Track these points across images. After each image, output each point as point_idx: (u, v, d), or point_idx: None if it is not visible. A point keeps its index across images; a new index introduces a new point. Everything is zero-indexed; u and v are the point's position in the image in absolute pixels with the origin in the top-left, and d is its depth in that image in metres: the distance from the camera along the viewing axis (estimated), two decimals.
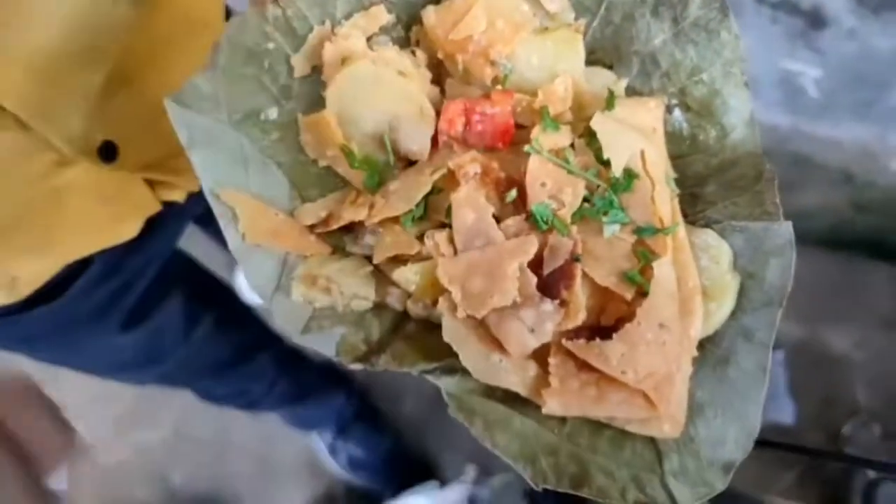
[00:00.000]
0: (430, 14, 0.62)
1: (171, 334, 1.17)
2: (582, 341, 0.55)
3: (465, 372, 0.58)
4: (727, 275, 0.59)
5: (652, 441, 0.58)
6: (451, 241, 0.58)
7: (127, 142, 0.84)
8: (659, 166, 0.60)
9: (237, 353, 1.35)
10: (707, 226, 0.61)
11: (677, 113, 0.66)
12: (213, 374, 1.35)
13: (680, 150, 0.66)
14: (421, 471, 1.83)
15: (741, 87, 0.65)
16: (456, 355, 0.57)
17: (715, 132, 0.66)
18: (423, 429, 1.88)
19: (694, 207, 0.63)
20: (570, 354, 0.55)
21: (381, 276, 0.63)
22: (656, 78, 0.66)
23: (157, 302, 1.11)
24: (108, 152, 0.82)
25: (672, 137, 0.66)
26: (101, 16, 0.76)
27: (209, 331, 1.24)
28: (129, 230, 0.92)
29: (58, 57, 0.73)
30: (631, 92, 0.67)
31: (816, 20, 1.09)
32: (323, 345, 0.60)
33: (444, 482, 1.75)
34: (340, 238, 0.66)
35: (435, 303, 0.61)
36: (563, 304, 0.55)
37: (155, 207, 0.94)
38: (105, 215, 0.88)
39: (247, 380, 1.43)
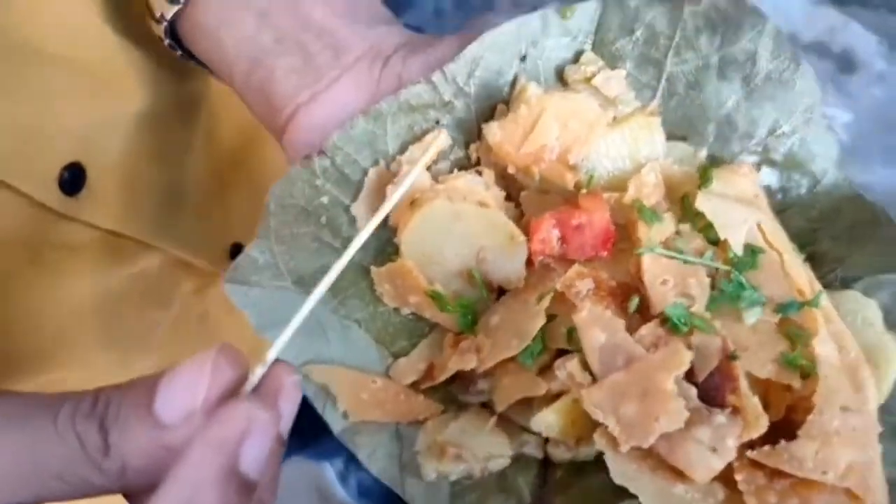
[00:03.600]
0: (494, 130, 0.59)
1: None
2: (767, 448, 0.50)
3: None
4: (885, 335, 0.56)
5: None
6: (586, 366, 0.53)
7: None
8: (779, 234, 0.57)
9: None
10: (843, 287, 0.58)
11: (764, 170, 0.64)
12: None
13: (772, 207, 0.63)
14: None
15: (824, 130, 0.63)
16: (623, 497, 0.52)
17: (806, 181, 0.64)
18: None
19: (819, 269, 0.60)
20: (756, 465, 0.51)
21: (508, 424, 0.58)
22: (735, 141, 0.63)
23: None
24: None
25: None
26: (165, 112, 0.75)
27: None
28: None
29: (140, 159, 0.72)
30: (711, 160, 0.64)
31: (847, 64, 1.10)
32: None
33: None
34: (448, 390, 0.61)
35: (579, 441, 0.57)
36: (735, 411, 0.51)
37: None
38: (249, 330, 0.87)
39: None
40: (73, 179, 0.67)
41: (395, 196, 0.57)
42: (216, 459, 0.38)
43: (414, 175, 0.58)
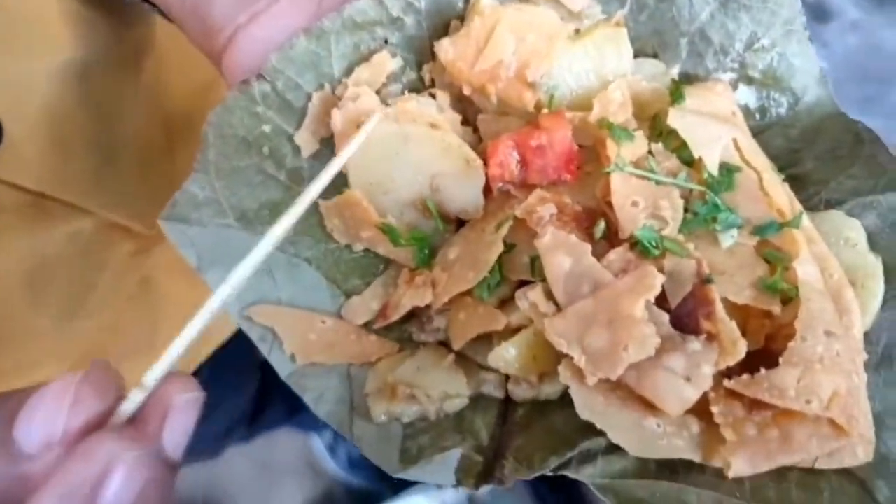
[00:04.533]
0: (446, 47, 0.55)
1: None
2: (746, 377, 0.47)
3: (605, 453, 0.49)
4: (869, 256, 0.53)
5: (847, 473, 0.49)
6: (550, 296, 0.49)
7: None
8: (757, 153, 0.54)
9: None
10: (828, 209, 0.54)
11: (741, 88, 0.60)
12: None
13: (751, 127, 0.59)
14: None
15: (805, 44, 0.59)
16: (588, 436, 0.49)
17: (786, 100, 0.60)
18: None
19: (802, 191, 0.56)
20: (734, 396, 0.47)
21: (467, 362, 0.55)
22: (710, 56, 0.59)
23: None
24: None
25: None
26: (99, 63, 0.70)
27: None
28: None
29: (68, 116, 0.67)
30: (684, 78, 0.60)
31: (820, 12, 1.09)
32: (434, 474, 0.51)
33: None
34: (404, 329, 0.57)
35: (542, 378, 0.53)
36: (710, 337, 0.47)
37: None
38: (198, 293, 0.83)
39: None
40: None
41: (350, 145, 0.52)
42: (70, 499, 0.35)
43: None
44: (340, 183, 0.57)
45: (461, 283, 0.52)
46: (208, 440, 1.15)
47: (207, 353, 0.86)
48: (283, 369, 0.55)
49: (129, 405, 0.39)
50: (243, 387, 1.13)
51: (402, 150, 0.54)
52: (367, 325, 0.57)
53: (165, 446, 0.39)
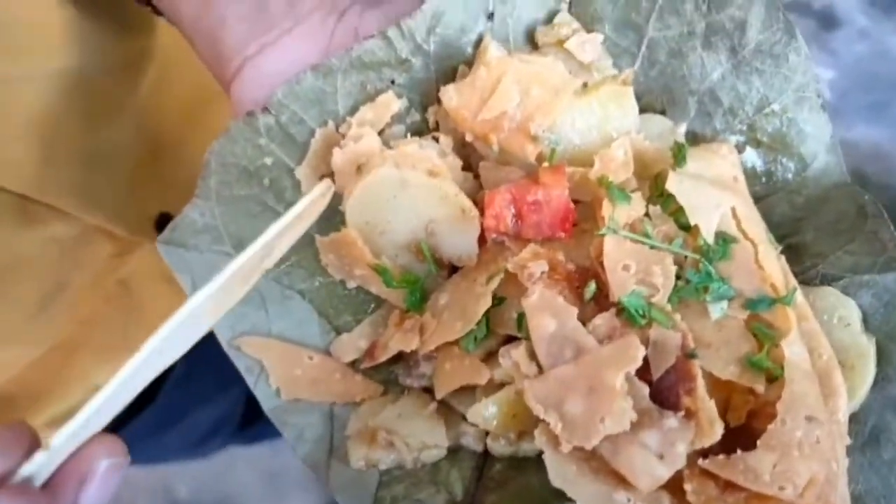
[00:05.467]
0: (450, 94, 0.55)
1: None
2: (721, 457, 0.47)
3: None
4: (862, 337, 0.52)
5: None
6: (533, 356, 0.50)
7: None
8: (755, 222, 0.53)
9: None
10: (823, 284, 0.54)
11: (748, 151, 0.59)
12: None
13: (756, 191, 0.59)
14: None
15: (817, 111, 0.58)
16: (563, 499, 0.49)
17: (793, 165, 0.59)
18: None
19: (799, 263, 0.56)
20: (708, 475, 0.47)
21: (449, 411, 0.55)
22: (718, 117, 0.59)
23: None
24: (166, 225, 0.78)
25: (745, 178, 0.58)
26: (95, 71, 0.70)
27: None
28: None
29: (57, 121, 0.67)
30: (691, 136, 0.60)
31: (829, 21, 1.08)
32: None
33: None
34: (390, 370, 0.58)
35: (521, 436, 0.53)
36: (689, 414, 0.47)
37: None
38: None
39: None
40: None
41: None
42: None
43: None
44: (338, 220, 0.57)
45: (449, 333, 0.53)
46: (190, 437, 1.17)
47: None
48: (267, 403, 0.56)
49: (30, 467, 0.39)
50: (228, 385, 1.13)
51: (400, 194, 0.54)
52: (353, 364, 0.57)
53: None
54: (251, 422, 1.24)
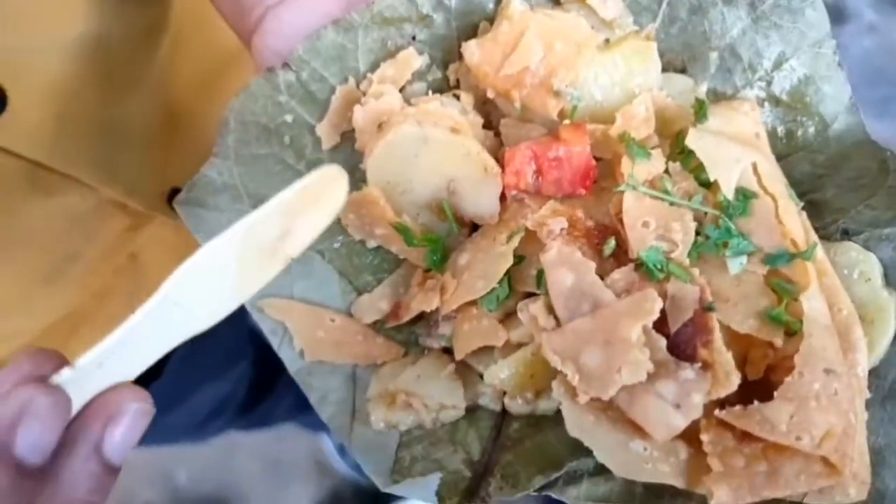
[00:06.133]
0: (472, 49, 0.56)
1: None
2: (738, 408, 0.47)
3: (592, 475, 0.51)
4: (882, 292, 0.53)
5: None
6: (551, 310, 0.50)
7: None
8: (776, 178, 0.54)
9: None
10: (844, 239, 0.54)
11: (766, 109, 0.60)
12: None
13: (776, 150, 0.59)
14: None
15: (835, 69, 0.58)
16: (577, 455, 0.50)
17: (813, 125, 0.59)
18: None
19: (820, 219, 0.56)
20: (725, 425, 0.48)
21: (468, 371, 0.56)
22: (738, 73, 0.59)
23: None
24: None
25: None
26: (112, 39, 0.70)
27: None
28: None
29: (75, 90, 0.68)
30: (711, 94, 0.60)
31: (837, 15, 1.08)
32: (420, 490, 0.53)
33: None
34: (411, 331, 0.59)
35: (538, 393, 0.54)
36: (706, 366, 0.48)
37: None
38: None
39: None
40: None
41: None
42: None
43: None
44: (359, 178, 0.58)
45: (470, 292, 0.53)
46: (194, 418, 1.17)
47: None
48: (292, 365, 0.57)
49: (58, 378, 0.40)
50: (228, 369, 1.14)
51: (421, 152, 0.55)
52: (375, 325, 0.58)
53: (105, 448, 0.40)
54: (253, 405, 1.25)
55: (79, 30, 0.66)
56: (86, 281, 0.78)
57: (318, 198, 0.48)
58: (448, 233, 0.58)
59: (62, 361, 0.41)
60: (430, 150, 0.55)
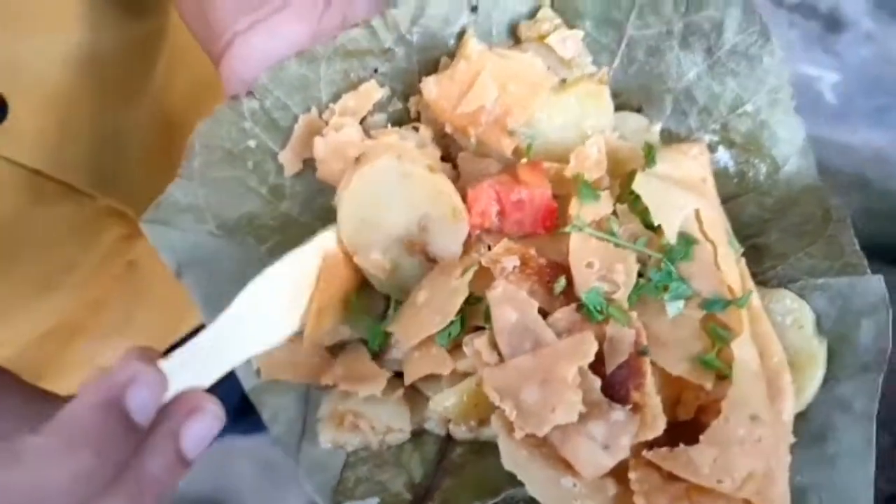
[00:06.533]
0: (430, 86, 0.58)
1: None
2: (665, 450, 0.50)
3: (527, 502, 0.53)
4: (813, 340, 0.55)
5: None
6: (495, 346, 0.53)
7: None
8: (718, 225, 0.56)
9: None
10: (781, 285, 0.57)
11: (721, 151, 0.62)
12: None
13: (727, 190, 0.61)
14: None
15: (790, 114, 0.60)
16: (515, 483, 0.52)
17: (765, 167, 0.61)
18: None
19: (760, 264, 0.58)
20: (652, 465, 0.50)
21: (417, 395, 0.58)
22: (693, 116, 0.61)
23: None
24: None
25: (717, 177, 0.61)
26: (112, 50, 0.72)
27: None
28: None
29: (75, 97, 0.70)
30: (666, 134, 0.62)
31: (834, 23, 1.09)
32: None
33: None
34: None
35: (482, 422, 0.56)
36: (636, 408, 0.50)
37: None
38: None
39: None
40: None
41: None
42: (100, 389, 0.40)
43: None
44: (322, 201, 0.60)
45: (428, 328, 0.54)
46: None
47: (181, 334, 0.91)
48: (247, 382, 0.59)
49: (162, 363, 0.44)
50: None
51: (399, 187, 0.55)
52: (332, 348, 0.60)
53: (183, 435, 0.42)
54: (249, 409, 1.26)
55: (77, 39, 0.68)
56: (83, 289, 0.80)
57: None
58: (413, 267, 0.58)
59: (157, 357, 0.45)
60: (409, 185, 0.55)
